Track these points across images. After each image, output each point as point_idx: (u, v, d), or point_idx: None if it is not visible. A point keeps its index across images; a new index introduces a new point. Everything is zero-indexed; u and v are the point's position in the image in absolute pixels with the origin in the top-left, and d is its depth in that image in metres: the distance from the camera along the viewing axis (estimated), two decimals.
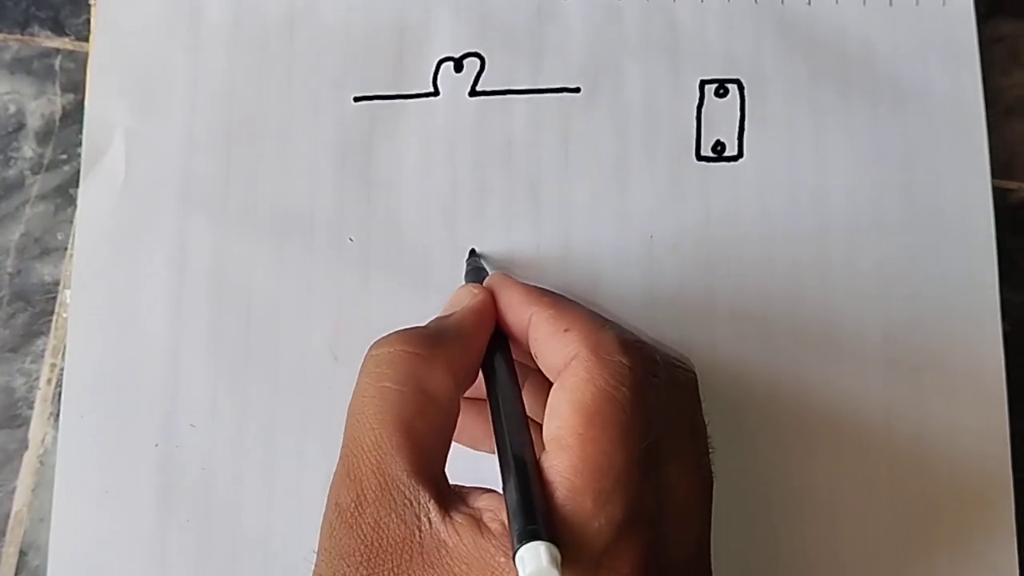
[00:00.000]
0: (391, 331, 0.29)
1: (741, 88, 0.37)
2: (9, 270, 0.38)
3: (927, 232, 0.36)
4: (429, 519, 0.25)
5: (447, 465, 0.27)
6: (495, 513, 0.25)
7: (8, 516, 0.36)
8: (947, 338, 0.36)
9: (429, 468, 0.26)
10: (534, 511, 0.24)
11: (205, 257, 0.37)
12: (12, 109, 0.39)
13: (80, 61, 0.39)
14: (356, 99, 0.38)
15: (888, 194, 0.37)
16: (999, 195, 0.37)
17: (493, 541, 0.24)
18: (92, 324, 0.36)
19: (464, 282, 0.34)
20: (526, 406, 0.28)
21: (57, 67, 0.39)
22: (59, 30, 0.40)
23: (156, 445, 0.35)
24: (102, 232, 0.37)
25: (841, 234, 0.36)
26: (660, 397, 0.27)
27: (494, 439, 0.27)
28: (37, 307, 0.38)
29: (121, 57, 0.38)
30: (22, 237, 0.38)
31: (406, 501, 0.25)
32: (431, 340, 0.28)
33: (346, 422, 0.27)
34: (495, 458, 0.31)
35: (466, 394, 0.29)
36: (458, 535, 0.24)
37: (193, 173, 0.37)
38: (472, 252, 0.36)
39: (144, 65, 0.38)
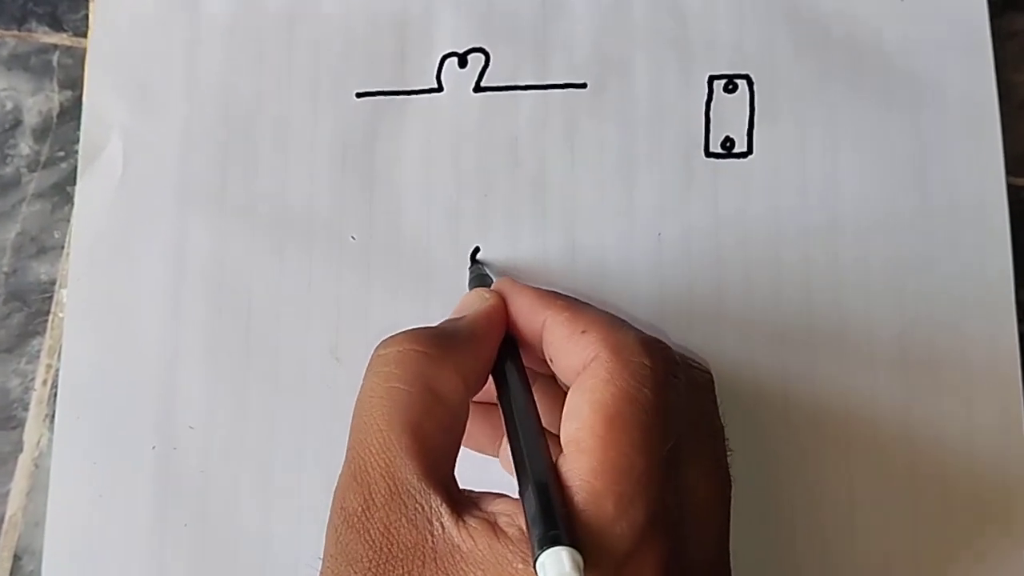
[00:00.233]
0: (396, 330, 0.29)
1: (751, 83, 0.37)
2: (5, 269, 0.38)
3: (941, 230, 0.36)
4: (442, 523, 0.24)
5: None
6: (511, 518, 0.24)
7: (2, 520, 0.36)
8: (962, 337, 0.35)
9: (439, 471, 0.26)
10: (555, 515, 0.23)
11: (203, 256, 0.36)
12: (9, 106, 0.39)
13: (78, 57, 0.39)
14: (358, 95, 0.37)
15: (901, 191, 0.36)
16: (1013, 192, 0.36)
17: (510, 546, 0.24)
18: (88, 324, 0.36)
19: (468, 290, 0.34)
20: None
21: (55, 63, 0.39)
22: (57, 26, 0.39)
23: (153, 447, 0.35)
24: (99, 230, 0.36)
25: (853, 232, 0.36)
26: (681, 399, 0.27)
27: (507, 443, 0.27)
28: (33, 307, 0.37)
29: (119, 53, 0.38)
30: (18, 236, 0.38)
31: (417, 505, 0.25)
32: (441, 340, 0.28)
33: (352, 423, 0.27)
34: (497, 462, 0.32)
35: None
36: (473, 540, 0.24)
37: (191, 170, 0.37)
38: (475, 259, 0.36)
39: (142, 61, 0.38)
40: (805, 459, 0.34)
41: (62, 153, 0.38)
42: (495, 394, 0.29)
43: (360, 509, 0.25)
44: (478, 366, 0.29)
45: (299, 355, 0.35)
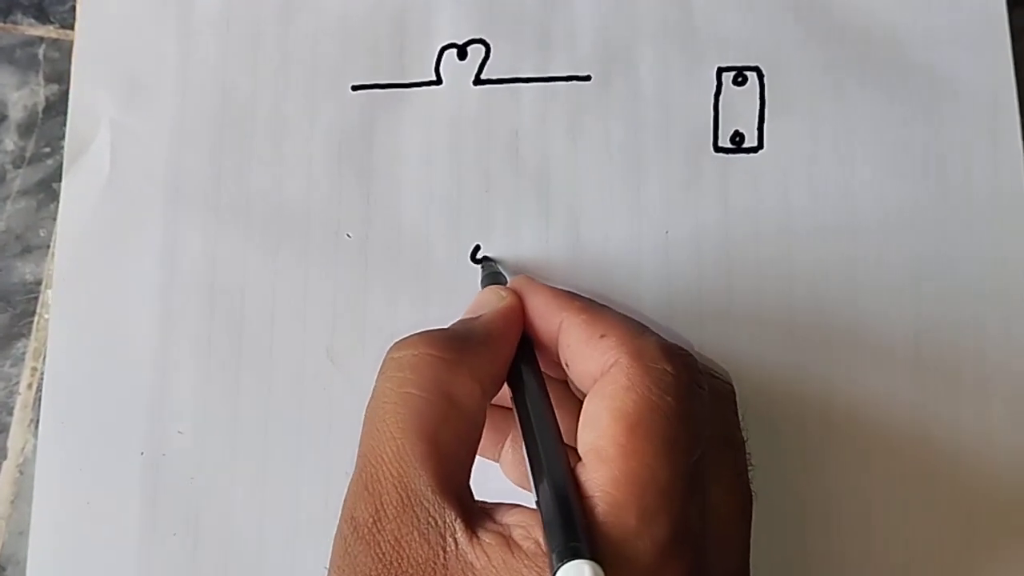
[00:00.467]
0: (393, 331, 0.28)
1: (761, 76, 0.36)
2: None
3: (957, 227, 0.35)
4: (455, 539, 0.24)
5: None
6: (527, 530, 0.24)
7: None
8: (981, 338, 0.34)
9: (454, 482, 0.25)
10: (575, 527, 0.23)
11: (194, 254, 0.36)
12: None
13: (65, 50, 0.38)
14: (354, 88, 0.37)
15: (916, 187, 0.35)
16: None
17: (525, 561, 0.23)
18: (74, 326, 0.35)
19: (481, 288, 0.33)
20: None
21: (41, 56, 0.39)
22: (43, 17, 0.39)
23: (142, 453, 0.34)
24: (85, 228, 0.36)
25: (867, 229, 0.35)
26: (705, 408, 0.26)
27: (509, 448, 0.27)
28: (18, 308, 0.37)
29: (107, 45, 0.37)
30: (2, 234, 0.37)
31: (430, 519, 0.24)
32: (457, 343, 0.27)
33: (363, 429, 0.26)
34: (497, 467, 0.31)
35: None
36: (487, 556, 0.23)
37: (182, 166, 0.36)
38: (478, 258, 0.35)
39: (131, 54, 0.37)
40: (819, 461, 0.34)
41: (48, 149, 0.38)
42: (499, 395, 0.28)
43: (371, 520, 0.24)
44: (495, 369, 0.28)
45: (294, 357, 0.35)
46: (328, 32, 0.37)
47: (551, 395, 0.29)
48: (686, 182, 0.35)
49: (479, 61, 0.36)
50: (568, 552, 0.22)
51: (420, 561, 0.23)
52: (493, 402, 0.28)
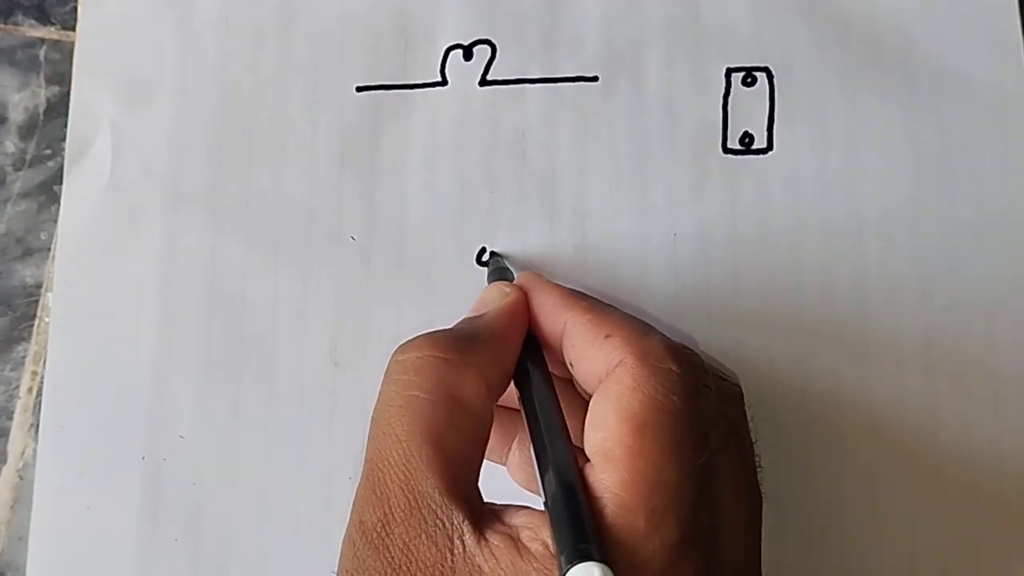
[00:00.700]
0: (397, 335, 0.28)
1: (770, 76, 0.36)
2: None
3: (968, 229, 0.35)
4: (463, 541, 0.24)
5: None
6: (535, 532, 0.24)
7: None
8: (991, 340, 0.34)
9: (461, 484, 0.25)
10: (585, 528, 0.22)
11: (195, 257, 0.35)
12: None
13: (66, 51, 0.38)
14: (358, 89, 0.36)
15: (927, 189, 0.35)
16: None
17: (534, 563, 0.23)
18: (75, 329, 0.35)
19: (487, 284, 0.33)
20: None
21: (41, 58, 0.38)
22: (44, 19, 0.39)
23: (143, 458, 0.34)
24: (86, 231, 0.36)
25: (877, 231, 0.35)
26: (712, 409, 0.26)
27: (516, 450, 0.27)
28: (18, 311, 0.37)
29: (108, 47, 0.37)
30: (3, 237, 0.37)
31: (438, 521, 0.24)
32: (462, 344, 0.27)
33: (369, 433, 0.26)
34: (504, 469, 0.31)
35: None
36: (495, 558, 0.23)
37: (184, 168, 0.36)
38: (493, 253, 0.35)
39: (133, 55, 0.37)
40: (828, 465, 0.34)
41: (49, 151, 0.37)
42: (505, 396, 0.28)
43: (379, 524, 0.24)
44: (501, 367, 0.28)
45: (296, 360, 0.35)
46: (329, 32, 0.37)
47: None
48: (694, 184, 0.35)
49: (485, 62, 0.36)
50: (577, 554, 0.22)
51: (429, 564, 0.23)
52: (499, 403, 0.28)
